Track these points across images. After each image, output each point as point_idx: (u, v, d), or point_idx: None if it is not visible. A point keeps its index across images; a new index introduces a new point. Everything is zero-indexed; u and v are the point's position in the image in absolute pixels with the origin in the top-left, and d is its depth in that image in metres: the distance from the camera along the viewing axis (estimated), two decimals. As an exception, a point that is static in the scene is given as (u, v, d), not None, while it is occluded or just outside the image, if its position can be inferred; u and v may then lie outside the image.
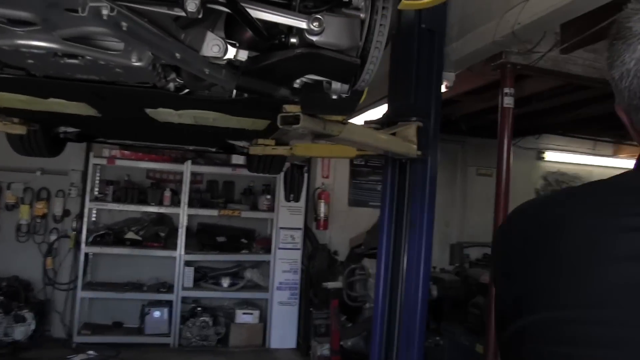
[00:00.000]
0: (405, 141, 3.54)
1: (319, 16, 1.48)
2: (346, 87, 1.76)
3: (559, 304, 0.74)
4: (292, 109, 2.35)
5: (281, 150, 3.87)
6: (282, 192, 6.66)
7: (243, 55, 1.63)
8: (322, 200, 7.02)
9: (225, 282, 6.54)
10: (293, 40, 1.59)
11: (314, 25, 1.48)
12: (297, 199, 6.71)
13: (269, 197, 6.77)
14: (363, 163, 7.40)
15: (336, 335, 5.71)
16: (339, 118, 2.68)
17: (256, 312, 6.60)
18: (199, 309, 6.47)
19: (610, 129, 6.74)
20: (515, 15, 3.02)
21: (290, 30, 1.59)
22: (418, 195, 3.77)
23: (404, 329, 3.72)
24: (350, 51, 1.64)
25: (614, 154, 8.09)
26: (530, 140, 7.60)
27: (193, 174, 6.46)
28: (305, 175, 6.78)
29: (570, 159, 7.97)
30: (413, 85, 3.74)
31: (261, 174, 4.98)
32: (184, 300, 6.44)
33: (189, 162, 6.35)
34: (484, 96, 5.34)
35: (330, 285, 5.98)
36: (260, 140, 3.74)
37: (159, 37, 1.42)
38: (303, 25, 1.49)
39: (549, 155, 7.88)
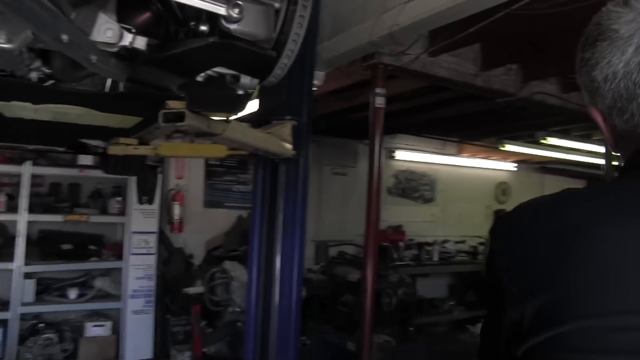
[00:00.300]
0: (280, 140, 3.44)
1: (239, 2, 1.32)
2: (255, 82, 1.61)
3: (601, 311, 0.70)
4: (176, 105, 2.15)
5: (145, 151, 3.59)
6: (135, 194, 6.23)
7: (141, 42, 1.41)
8: (177, 202, 6.73)
9: (73, 293, 5.96)
10: (203, 27, 1.41)
11: (234, 12, 1.32)
12: (150, 202, 6.31)
13: (119, 199, 6.29)
14: (218, 163, 7.21)
15: (198, 341, 5.47)
16: (223, 116, 2.52)
17: (108, 324, 6.10)
18: (41, 325, 5.82)
19: (458, 130, 7.20)
20: (394, 17, 3.06)
21: (199, 16, 1.41)
22: (291, 196, 3.70)
23: (279, 331, 3.63)
24: (264, 43, 1.49)
25: (458, 153, 8.68)
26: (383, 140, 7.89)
27: (33, 176, 5.79)
28: (159, 175, 6.41)
29: (419, 158, 8.40)
30: (285, 83, 3.64)
31: (117, 176, 4.61)
32: (24, 317, 5.73)
33: (29, 162, 5.67)
34: (345, 96, 5.41)
35: (192, 290, 5.71)
36: (122, 139, 3.44)
37: (50, 14, 1.16)
38: (222, 11, 1.31)
39: (400, 155, 8.23)
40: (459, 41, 3.58)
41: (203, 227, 6.89)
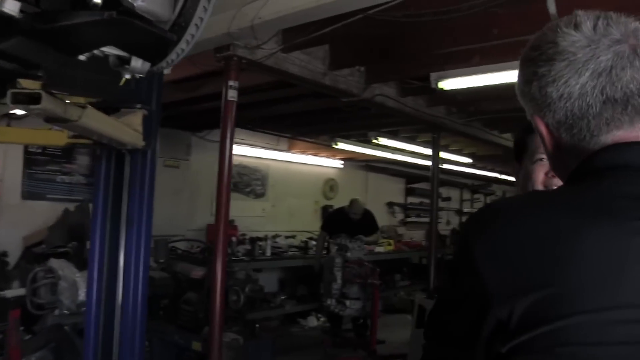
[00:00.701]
0: (131, 130, 3.23)
1: (148, -24, 1.20)
2: (147, 66, 1.47)
3: (596, 306, 0.74)
4: (30, 84, 1.91)
5: (-33, 135, 3.18)
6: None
7: (13, 7, 1.19)
8: (-11, 193, 6.03)
9: None
10: (96, 0, 1.25)
11: (142, -13, 1.19)
12: (-43, 193, 5.58)
13: None
14: (40, 151, 6.60)
15: (16, 352, 4.92)
16: (81, 100, 2.30)
17: None
18: None
19: (296, 126, 7.34)
20: (256, 10, 3.01)
21: None
22: (137, 189, 3.51)
23: (123, 333, 3.42)
24: (163, 24, 1.38)
25: (289, 149, 8.85)
26: (215, 133, 7.76)
27: None
28: (-31, 164, 5.70)
29: (251, 152, 8.42)
30: (135, 69, 3.43)
31: None
32: None
33: None
34: (187, 86, 5.26)
35: (10, 293, 5.13)
36: None
37: None
38: (128, -17, 1.18)
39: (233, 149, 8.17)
40: (311, 40, 3.64)
41: (20, 221, 6.25)
